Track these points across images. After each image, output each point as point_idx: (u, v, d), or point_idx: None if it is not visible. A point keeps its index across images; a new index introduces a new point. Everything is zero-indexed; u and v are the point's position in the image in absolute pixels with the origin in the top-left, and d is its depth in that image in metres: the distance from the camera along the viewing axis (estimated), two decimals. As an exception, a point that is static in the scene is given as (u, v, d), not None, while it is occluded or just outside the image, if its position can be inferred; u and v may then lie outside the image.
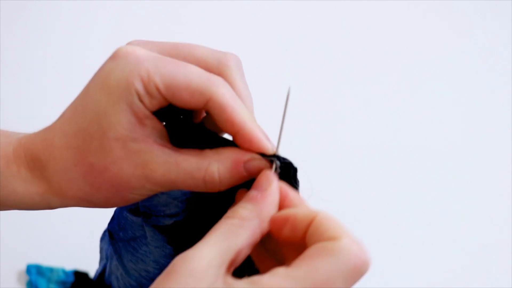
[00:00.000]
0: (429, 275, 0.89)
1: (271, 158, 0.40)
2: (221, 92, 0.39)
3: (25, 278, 0.83)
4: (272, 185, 0.38)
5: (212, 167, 0.40)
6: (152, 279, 0.49)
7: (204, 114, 0.45)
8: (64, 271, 0.83)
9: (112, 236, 0.50)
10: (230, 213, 0.38)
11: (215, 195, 0.42)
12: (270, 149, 0.40)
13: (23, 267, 0.84)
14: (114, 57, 0.40)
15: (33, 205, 0.42)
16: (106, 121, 0.39)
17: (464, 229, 0.93)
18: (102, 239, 0.54)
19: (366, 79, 1.03)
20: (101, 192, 0.41)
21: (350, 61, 1.04)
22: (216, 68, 0.41)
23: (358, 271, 0.35)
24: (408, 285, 0.87)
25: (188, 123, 0.42)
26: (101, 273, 0.54)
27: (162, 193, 0.45)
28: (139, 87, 0.38)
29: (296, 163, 0.41)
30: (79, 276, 0.84)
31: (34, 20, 1.02)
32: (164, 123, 0.42)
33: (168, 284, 0.34)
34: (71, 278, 0.83)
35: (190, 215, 0.46)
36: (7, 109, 0.93)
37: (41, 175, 0.41)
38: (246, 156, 0.40)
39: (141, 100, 0.39)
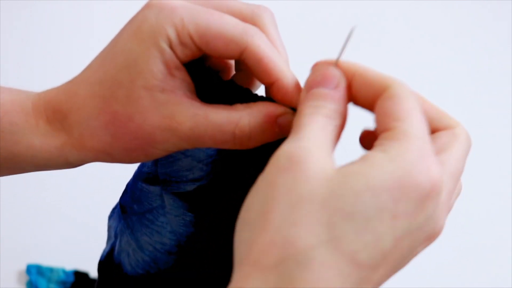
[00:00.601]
0: (429, 275, 0.89)
1: None
2: (257, 42, 0.38)
3: (25, 278, 0.83)
4: (342, 81, 0.37)
5: (243, 120, 0.38)
6: (167, 252, 0.47)
7: (233, 72, 0.44)
8: (64, 271, 0.83)
9: (125, 210, 0.49)
10: (310, 106, 0.35)
11: (242, 158, 0.41)
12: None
13: (23, 267, 0.83)
14: (148, 6, 0.39)
15: (50, 160, 0.41)
16: (136, 68, 0.38)
17: (464, 229, 0.93)
18: (110, 217, 0.53)
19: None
20: (122, 143, 0.40)
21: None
22: (250, 19, 0.40)
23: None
24: (408, 285, 0.87)
25: (218, 79, 0.41)
26: (109, 252, 0.52)
27: (186, 156, 0.45)
28: (172, 35, 0.37)
29: None
30: (79, 276, 0.83)
31: (34, 20, 1.02)
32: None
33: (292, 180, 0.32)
34: (71, 278, 0.83)
35: (215, 179, 0.44)
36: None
37: (61, 126, 0.41)
38: (280, 110, 0.39)
39: (172, 49, 0.38)
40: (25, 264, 0.84)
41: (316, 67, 0.38)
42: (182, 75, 0.39)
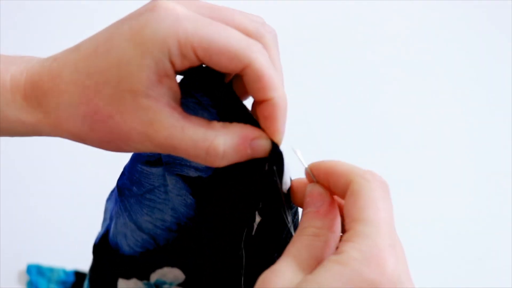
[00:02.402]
0: (429, 275, 0.89)
1: (276, 146, 0.39)
2: (260, 60, 0.38)
3: (25, 278, 0.83)
4: (327, 200, 0.39)
5: (218, 139, 0.39)
6: (168, 229, 0.48)
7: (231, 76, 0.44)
8: (64, 271, 0.83)
9: (122, 193, 0.49)
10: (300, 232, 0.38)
11: (239, 172, 0.42)
12: (281, 131, 0.40)
13: (23, 267, 0.83)
14: (152, 9, 0.38)
15: (24, 133, 0.42)
16: (127, 70, 0.38)
17: (464, 229, 0.93)
18: (108, 199, 0.53)
19: (366, 78, 1.03)
20: (97, 135, 0.40)
21: (350, 61, 1.04)
22: (254, 35, 0.40)
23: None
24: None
25: (220, 80, 0.42)
26: (104, 234, 0.52)
27: None
28: (173, 47, 0.37)
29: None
30: (80, 276, 0.83)
31: (34, 20, 1.02)
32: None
33: None
34: (72, 278, 0.83)
35: (214, 177, 0.45)
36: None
37: (38, 105, 0.41)
38: (255, 133, 0.39)
39: (171, 60, 0.38)
40: (25, 264, 0.83)
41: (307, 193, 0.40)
42: (170, 83, 0.39)
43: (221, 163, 0.40)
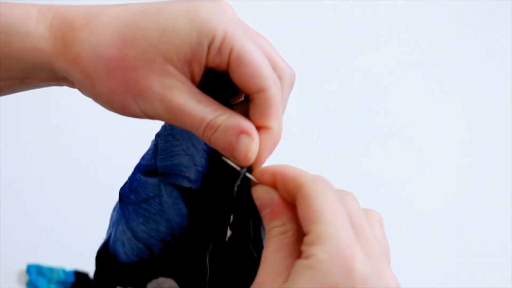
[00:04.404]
0: (429, 275, 0.89)
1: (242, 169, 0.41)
2: (275, 91, 0.41)
3: (25, 278, 0.83)
4: (275, 197, 0.40)
5: (221, 117, 0.41)
6: (162, 240, 0.49)
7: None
8: (64, 271, 0.83)
9: (122, 200, 0.50)
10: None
11: (227, 176, 0.43)
12: (262, 162, 0.42)
13: (23, 267, 0.83)
14: (214, 2, 0.41)
15: (37, 65, 0.42)
16: (170, 37, 0.40)
17: (464, 229, 0.93)
18: (114, 208, 0.55)
19: (366, 78, 1.03)
20: (111, 82, 0.41)
21: (350, 61, 1.04)
22: (278, 70, 0.43)
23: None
24: (407, 285, 0.87)
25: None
26: (106, 242, 0.54)
27: (186, 154, 0.46)
28: (219, 38, 0.39)
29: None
30: (80, 276, 0.83)
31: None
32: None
33: None
34: (72, 278, 0.83)
35: (202, 189, 0.46)
36: (7, 110, 0.93)
37: (62, 36, 0.41)
38: (249, 128, 0.41)
39: (208, 48, 0.40)
40: (25, 264, 0.83)
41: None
42: (198, 71, 0.41)
43: (208, 134, 0.41)
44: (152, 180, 0.48)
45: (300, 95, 1.01)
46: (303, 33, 1.06)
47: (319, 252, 0.35)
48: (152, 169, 0.48)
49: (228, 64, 0.40)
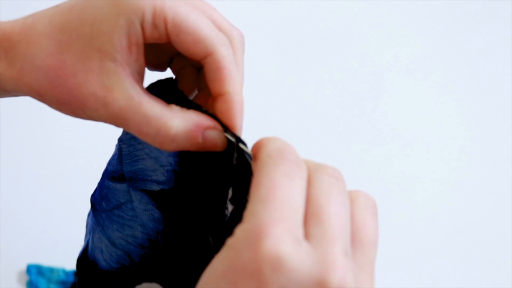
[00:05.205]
0: (428, 275, 0.89)
1: (233, 137, 0.39)
2: (224, 52, 0.39)
3: (25, 278, 0.83)
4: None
5: (172, 121, 0.39)
6: (140, 245, 0.48)
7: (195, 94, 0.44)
8: (64, 271, 0.83)
9: (94, 207, 0.49)
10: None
11: (201, 171, 0.42)
12: (239, 127, 0.39)
13: (23, 267, 0.83)
14: None
15: None
16: (99, 28, 0.38)
17: (464, 229, 0.92)
18: (88, 214, 0.54)
19: (366, 78, 1.03)
20: (56, 92, 0.40)
21: (349, 61, 1.04)
22: (225, 32, 0.41)
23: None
24: (407, 285, 0.87)
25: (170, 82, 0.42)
26: (85, 249, 0.53)
27: (150, 157, 0.45)
28: (148, 13, 0.38)
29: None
30: (80, 276, 0.83)
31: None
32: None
33: None
34: (71, 278, 0.83)
35: (176, 188, 0.45)
36: (7, 110, 0.93)
37: (4, 56, 0.40)
38: (209, 123, 0.39)
39: (142, 26, 0.38)
40: (25, 264, 0.83)
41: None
42: (138, 54, 0.39)
43: (170, 146, 0.39)
44: (121, 186, 0.47)
45: (300, 95, 1.01)
46: (303, 33, 1.06)
47: (238, 231, 0.32)
48: (119, 174, 0.46)
49: (168, 36, 0.38)
